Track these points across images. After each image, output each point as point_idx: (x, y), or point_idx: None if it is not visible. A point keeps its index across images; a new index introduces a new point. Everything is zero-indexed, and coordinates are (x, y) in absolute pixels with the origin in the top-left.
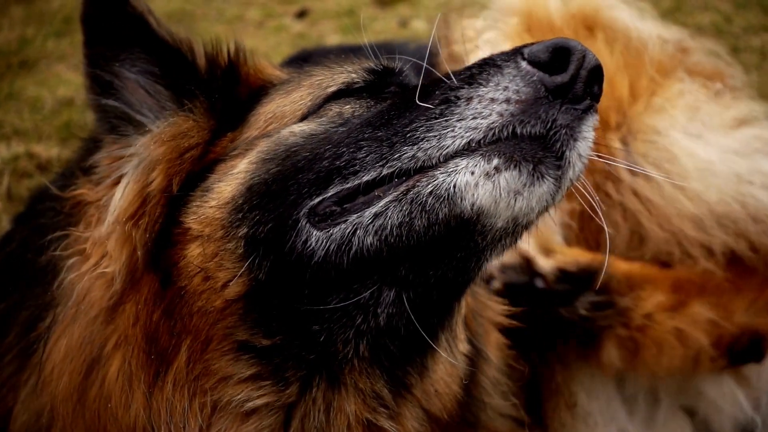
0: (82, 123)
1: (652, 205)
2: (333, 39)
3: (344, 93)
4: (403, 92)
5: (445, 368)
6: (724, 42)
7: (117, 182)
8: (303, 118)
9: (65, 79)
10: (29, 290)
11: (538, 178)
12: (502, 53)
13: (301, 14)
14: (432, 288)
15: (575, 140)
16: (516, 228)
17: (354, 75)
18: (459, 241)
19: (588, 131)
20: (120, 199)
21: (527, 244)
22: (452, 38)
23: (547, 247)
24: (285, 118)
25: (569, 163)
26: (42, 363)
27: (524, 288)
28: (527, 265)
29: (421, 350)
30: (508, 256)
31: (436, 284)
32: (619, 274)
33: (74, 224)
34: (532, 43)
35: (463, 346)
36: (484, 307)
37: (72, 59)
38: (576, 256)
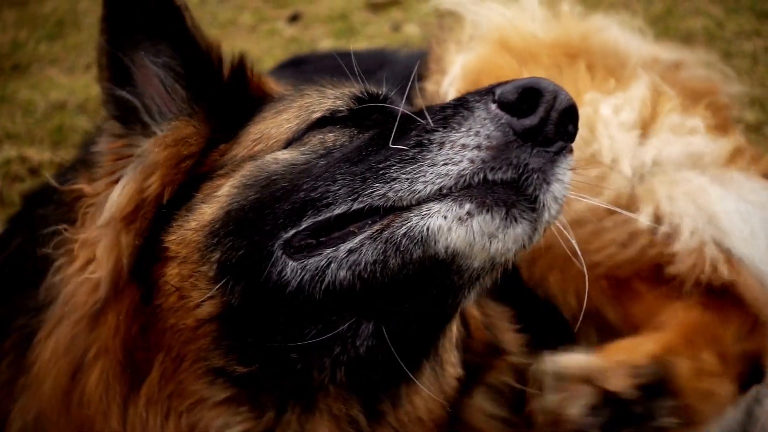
0: (74, 127)
1: None
2: (326, 43)
3: (328, 121)
4: (385, 123)
5: (429, 395)
6: (716, 47)
7: (116, 181)
8: (288, 143)
9: (58, 82)
10: (26, 295)
11: (512, 221)
12: (477, 92)
13: (294, 18)
14: (411, 321)
15: (548, 183)
16: (494, 266)
17: (339, 102)
18: (435, 280)
19: (563, 173)
20: (118, 197)
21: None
22: (443, 46)
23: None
24: (271, 141)
25: (544, 206)
26: (32, 364)
27: (620, 420)
28: (606, 397)
29: (400, 378)
30: (585, 396)
31: (415, 318)
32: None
33: (69, 221)
34: (506, 82)
35: (454, 371)
36: (494, 314)
37: (65, 63)
38: (637, 355)
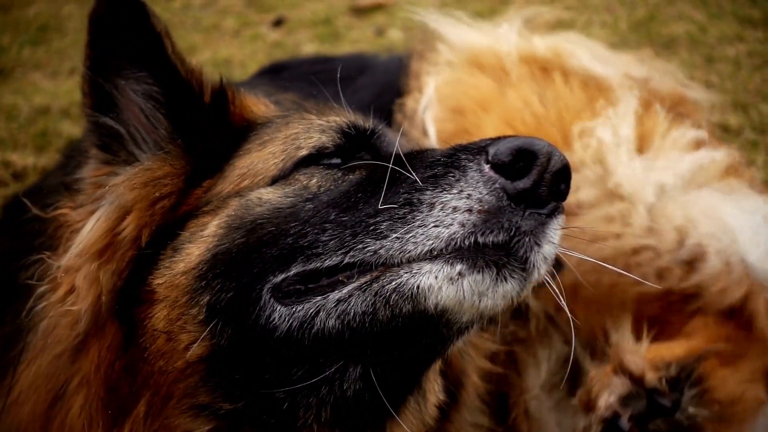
0: (58, 131)
1: None
2: (309, 48)
3: (314, 158)
4: (373, 166)
5: (412, 422)
6: (699, 52)
7: (94, 211)
8: (273, 180)
9: (41, 87)
10: (10, 306)
11: (502, 281)
12: (468, 149)
13: (278, 23)
14: (399, 365)
15: (539, 245)
16: (482, 318)
17: (325, 138)
18: (424, 331)
19: (553, 234)
20: (88, 232)
21: (633, 362)
22: (420, 63)
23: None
24: (257, 177)
25: (534, 266)
26: (11, 386)
27: (651, 411)
28: (641, 387)
29: (385, 414)
30: (621, 386)
31: (403, 362)
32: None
33: (53, 247)
34: (498, 140)
35: (435, 398)
36: (470, 344)
37: (48, 68)
38: (666, 354)
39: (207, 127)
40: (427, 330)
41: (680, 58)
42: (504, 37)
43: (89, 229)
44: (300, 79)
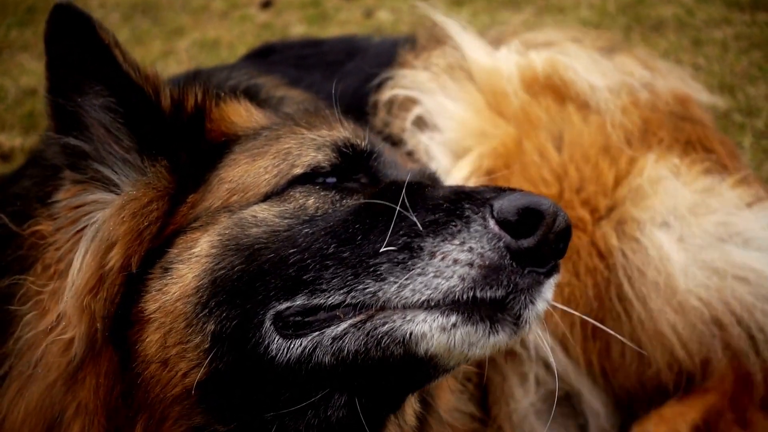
0: (45, 113)
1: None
2: (298, 29)
3: (310, 176)
4: (371, 192)
5: None
6: (686, 35)
7: (77, 234)
8: (266, 197)
9: (28, 68)
10: None
11: (494, 333)
12: (473, 197)
13: (266, 4)
14: (383, 395)
15: (533, 303)
16: (468, 361)
17: (321, 156)
18: (411, 370)
19: (548, 292)
20: (78, 272)
21: None
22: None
23: None
24: (248, 192)
25: (526, 322)
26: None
27: None
28: None
29: None
30: None
31: (387, 393)
32: None
33: (31, 266)
34: (503, 192)
35: (412, 409)
36: None
37: (35, 49)
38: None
39: (183, 134)
40: (415, 369)
41: (668, 40)
42: (504, 59)
43: (77, 267)
44: (287, 62)
